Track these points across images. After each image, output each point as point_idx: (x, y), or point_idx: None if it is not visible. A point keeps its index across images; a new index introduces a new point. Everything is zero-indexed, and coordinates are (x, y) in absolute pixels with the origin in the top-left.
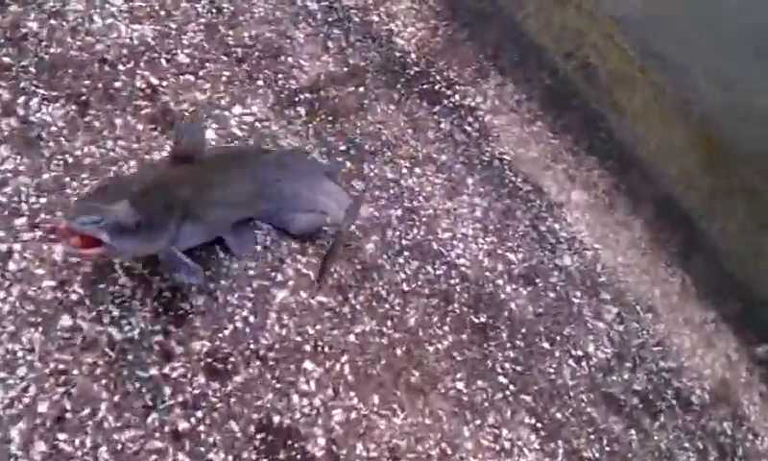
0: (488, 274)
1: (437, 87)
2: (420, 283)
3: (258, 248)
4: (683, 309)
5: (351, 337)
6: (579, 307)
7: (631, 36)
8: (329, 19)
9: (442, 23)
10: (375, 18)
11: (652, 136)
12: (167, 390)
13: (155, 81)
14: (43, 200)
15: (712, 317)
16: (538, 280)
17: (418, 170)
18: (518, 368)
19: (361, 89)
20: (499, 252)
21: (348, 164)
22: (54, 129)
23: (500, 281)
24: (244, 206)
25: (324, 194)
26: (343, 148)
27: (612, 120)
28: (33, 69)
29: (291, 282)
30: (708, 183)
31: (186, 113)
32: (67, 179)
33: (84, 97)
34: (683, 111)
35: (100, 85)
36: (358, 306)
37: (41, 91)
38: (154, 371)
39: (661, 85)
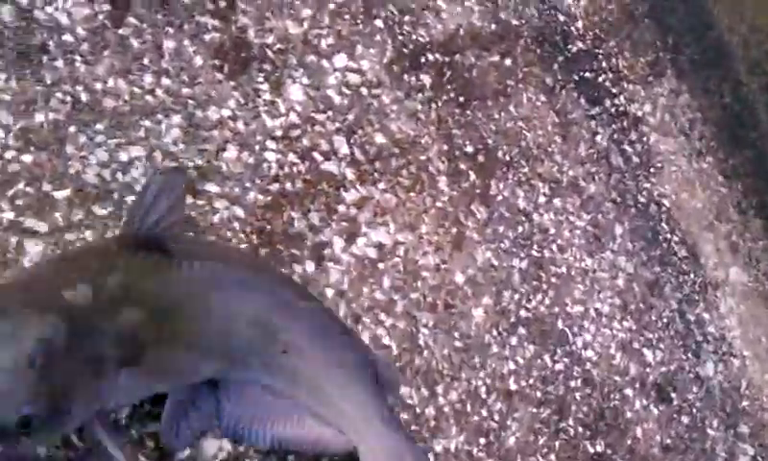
0: (617, 378)
1: (601, 79)
2: (532, 381)
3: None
4: None
5: (430, 459)
6: (713, 443)
7: None
8: None
9: None
10: None
11: None
12: None
13: None
14: (27, 158)
15: None
16: (673, 396)
17: (557, 202)
18: None
19: (508, 62)
20: (635, 345)
21: (473, 177)
22: (69, 38)
23: (629, 391)
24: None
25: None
26: (470, 150)
27: None
28: None
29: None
30: None
31: (270, 52)
32: (72, 128)
33: None
34: None
35: None
36: (447, 408)
37: None
38: None
39: None
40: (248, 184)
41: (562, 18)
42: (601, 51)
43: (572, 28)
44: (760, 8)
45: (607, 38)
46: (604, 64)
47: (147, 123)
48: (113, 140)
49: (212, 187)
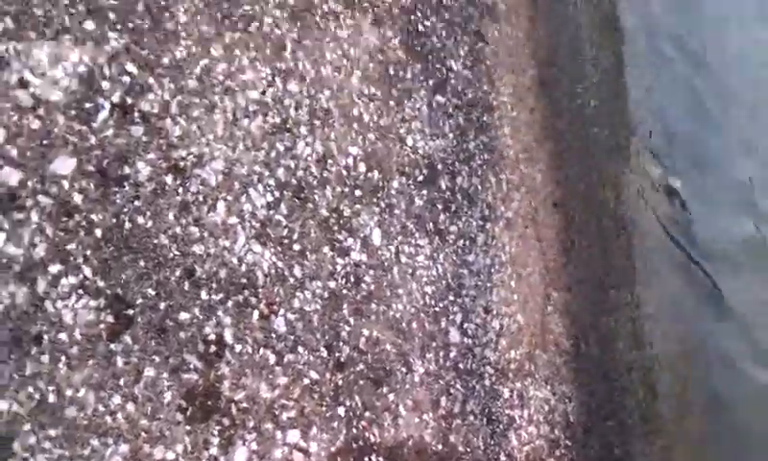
0: None
1: None
2: None
3: None
4: None
5: None
6: None
7: None
8: (460, 364)
9: (567, 440)
10: (506, 392)
11: None
12: None
13: (229, 338)
14: None
15: None
16: None
17: None
18: None
19: None
20: None
21: None
22: (63, 338)
23: None
24: None
25: None
26: None
27: None
28: None
29: None
30: None
31: (235, 408)
32: (27, 426)
33: (129, 312)
34: None
35: (151, 292)
36: None
37: None
38: None
39: None
40: None
41: (503, 458)
42: None
43: None
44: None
45: None
46: None
47: (95, 443)
48: (58, 451)
49: None
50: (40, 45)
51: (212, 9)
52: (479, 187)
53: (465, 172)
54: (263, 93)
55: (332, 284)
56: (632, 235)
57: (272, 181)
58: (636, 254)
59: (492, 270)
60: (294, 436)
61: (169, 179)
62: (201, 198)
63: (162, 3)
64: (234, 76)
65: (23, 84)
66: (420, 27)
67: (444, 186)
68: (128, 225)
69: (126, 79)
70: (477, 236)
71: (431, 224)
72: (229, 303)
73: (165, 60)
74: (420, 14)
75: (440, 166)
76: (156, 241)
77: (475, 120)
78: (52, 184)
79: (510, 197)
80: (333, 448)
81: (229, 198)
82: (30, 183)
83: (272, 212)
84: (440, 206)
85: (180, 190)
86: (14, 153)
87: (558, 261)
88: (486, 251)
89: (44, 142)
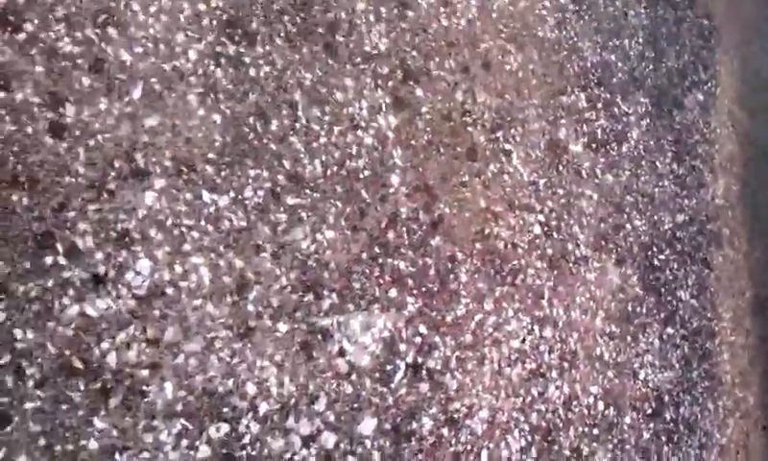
0: None
1: None
2: None
3: None
4: None
5: None
6: None
7: None
8: None
9: None
10: None
11: None
12: None
13: None
14: None
15: None
16: None
17: None
18: None
19: None
20: None
21: None
22: None
23: None
24: None
25: None
26: None
27: None
28: None
29: None
30: None
31: None
32: None
33: None
34: None
35: None
36: None
37: None
38: None
39: None
40: None
41: None
42: None
43: None
44: None
45: None
46: None
47: None
48: None
49: None
50: (356, 316)
51: (487, 266)
52: (698, 415)
53: (687, 401)
54: (523, 341)
55: None
56: None
57: (526, 426)
58: None
59: None
60: None
61: (445, 431)
62: (468, 447)
63: (449, 265)
64: (501, 327)
65: (341, 352)
66: (656, 261)
67: (668, 418)
68: None
69: (418, 339)
70: None
71: (655, 457)
72: None
73: (449, 319)
74: (655, 249)
75: (666, 398)
76: None
77: (698, 348)
78: (358, 445)
79: (725, 423)
80: None
81: (491, 446)
82: (342, 445)
83: (524, 457)
84: (664, 438)
85: (453, 441)
86: (332, 417)
87: None
88: None
89: (354, 405)
